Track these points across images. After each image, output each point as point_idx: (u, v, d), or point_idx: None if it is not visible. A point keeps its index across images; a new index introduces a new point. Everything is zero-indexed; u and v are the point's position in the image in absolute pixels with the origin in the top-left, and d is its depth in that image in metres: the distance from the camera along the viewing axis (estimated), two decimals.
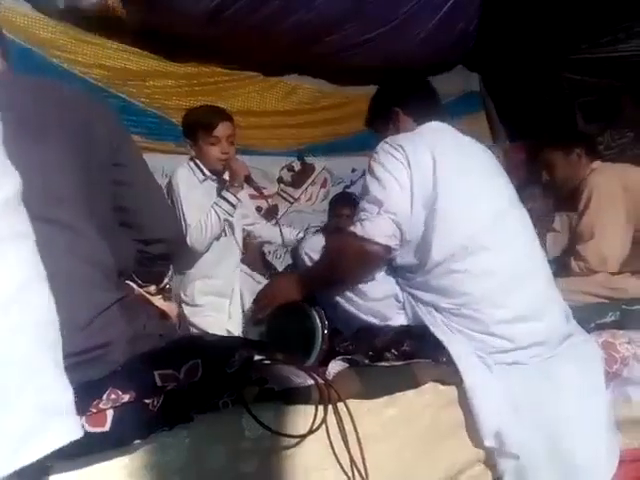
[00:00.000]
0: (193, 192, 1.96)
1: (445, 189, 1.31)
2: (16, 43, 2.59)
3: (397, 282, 1.40)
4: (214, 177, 2.07)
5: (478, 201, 1.37)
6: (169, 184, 2.05)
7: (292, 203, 3.55)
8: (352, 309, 1.39)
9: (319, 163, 3.68)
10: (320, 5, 2.85)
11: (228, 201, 1.93)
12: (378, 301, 1.37)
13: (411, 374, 1.18)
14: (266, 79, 3.54)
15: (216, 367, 0.90)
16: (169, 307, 1.13)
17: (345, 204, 2.83)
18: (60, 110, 0.95)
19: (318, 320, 1.44)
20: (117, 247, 0.96)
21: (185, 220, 1.91)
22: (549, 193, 2.98)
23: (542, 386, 1.26)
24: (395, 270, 1.40)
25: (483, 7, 3.78)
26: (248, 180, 1.97)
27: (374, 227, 1.29)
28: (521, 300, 1.31)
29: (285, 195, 3.57)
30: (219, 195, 1.98)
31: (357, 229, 1.31)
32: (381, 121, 1.59)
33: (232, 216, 1.96)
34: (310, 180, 3.58)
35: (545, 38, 3.98)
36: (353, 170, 3.80)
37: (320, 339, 1.45)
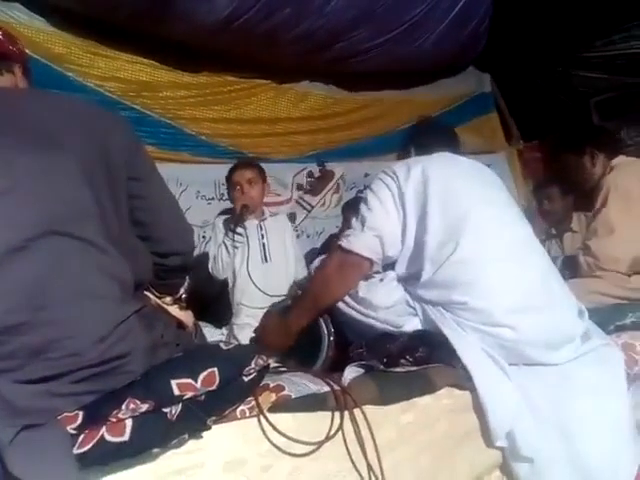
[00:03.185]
0: (219, 231, 2.35)
1: (436, 200, 1.38)
2: (32, 58, 2.65)
3: (405, 289, 1.41)
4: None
5: (468, 202, 1.41)
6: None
7: (310, 211, 3.57)
8: (364, 320, 1.40)
9: (337, 168, 3.70)
10: (330, 12, 2.87)
11: (232, 231, 2.23)
12: (389, 308, 1.38)
13: (427, 379, 1.18)
14: (277, 86, 3.56)
15: (233, 375, 0.91)
16: (185, 316, 1.14)
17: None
18: (77, 125, 0.97)
19: (324, 327, 1.47)
20: (135, 260, 0.97)
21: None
22: (567, 193, 2.96)
23: (559, 388, 1.25)
24: (403, 278, 1.43)
25: (494, 7, 3.78)
26: (244, 209, 2.24)
27: (357, 241, 1.41)
28: (525, 288, 1.32)
29: (303, 203, 3.59)
30: (226, 227, 2.29)
31: (343, 242, 1.44)
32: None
33: (238, 243, 2.23)
34: (329, 186, 3.60)
35: (556, 36, 3.95)
36: (366, 175, 3.79)
37: (326, 346, 1.47)
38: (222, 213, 2.63)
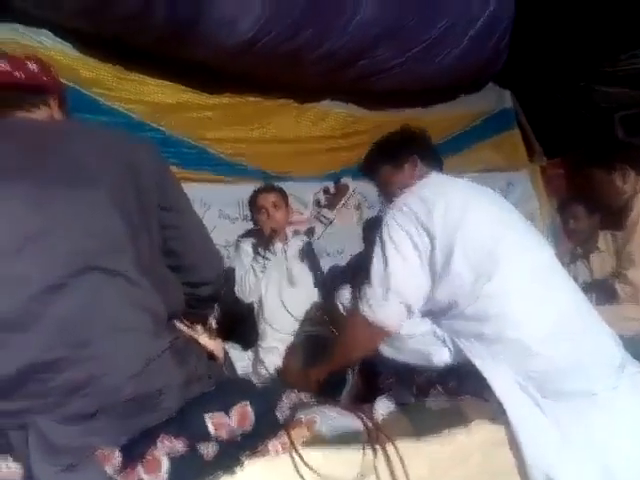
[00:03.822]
0: (245, 256, 2.33)
1: (462, 233, 1.33)
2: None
3: (432, 319, 1.38)
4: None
5: (486, 227, 1.38)
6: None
7: (327, 225, 3.56)
8: (391, 351, 1.38)
9: (352, 183, 3.70)
10: (353, 31, 2.89)
11: (260, 255, 2.23)
12: (416, 339, 1.36)
13: (460, 413, 1.16)
14: (299, 106, 3.59)
15: (265, 410, 0.90)
16: (216, 346, 1.14)
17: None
18: (109, 156, 0.99)
19: None
20: (166, 291, 0.98)
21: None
22: (593, 211, 2.90)
23: (598, 422, 1.21)
24: (430, 312, 1.40)
25: (515, 22, 3.77)
26: (273, 233, 2.23)
27: (382, 311, 1.34)
28: (557, 315, 1.28)
29: (321, 218, 3.59)
30: (255, 251, 2.29)
31: (366, 311, 1.35)
32: (392, 166, 1.62)
33: (265, 267, 2.22)
34: (344, 200, 3.59)
35: (579, 51, 3.92)
36: None
37: (351, 374, 1.46)
38: (245, 235, 2.63)
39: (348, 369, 1.46)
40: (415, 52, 3.24)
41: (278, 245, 2.33)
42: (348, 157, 3.80)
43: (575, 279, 1.61)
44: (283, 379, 1.55)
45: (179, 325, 1.07)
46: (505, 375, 1.20)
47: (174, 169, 3.05)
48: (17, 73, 1.11)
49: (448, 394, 1.23)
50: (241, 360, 2.19)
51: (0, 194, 0.87)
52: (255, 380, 2.06)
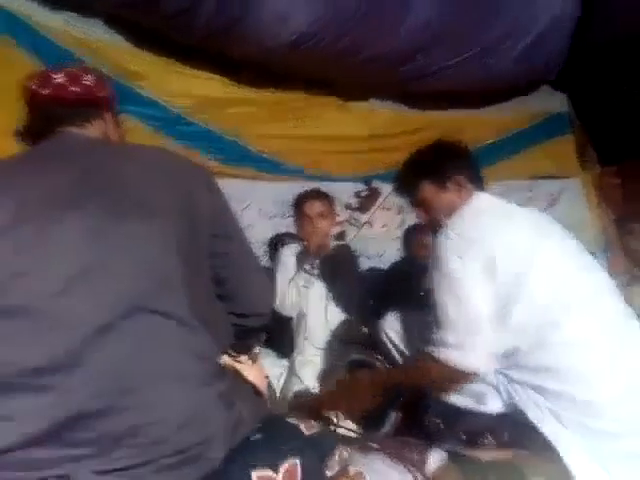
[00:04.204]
0: (287, 265, 2.22)
1: (528, 266, 1.22)
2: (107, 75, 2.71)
3: None
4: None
5: (557, 268, 1.25)
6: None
7: (360, 228, 3.47)
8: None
9: (394, 193, 3.57)
10: (404, 34, 2.76)
11: (305, 271, 2.12)
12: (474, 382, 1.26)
13: (516, 470, 1.07)
14: (344, 104, 3.48)
15: (315, 468, 0.84)
16: (260, 379, 1.08)
17: (428, 232, 2.70)
18: (167, 185, 0.93)
19: None
20: (217, 327, 0.93)
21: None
22: None
23: None
24: None
25: (577, 24, 3.55)
26: (320, 250, 2.12)
27: (472, 359, 1.21)
28: (628, 372, 1.17)
29: (352, 221, 3.50)
30: (299, 265, 2.18)
31: (454, 359, 1.21)
32: (435, 185, 1.46)
33: (309, 283, 2.12)
34: (377, 204, 3.48)
35: None
36: None
37: (395, 407, 1.38)
38: (284, 237, 2.54)
39: (392, 401, 1.37)
40: (468, 56, 3.09)
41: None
42: (392, 158, 3.67)
43: (630, 303, 1.46)
44: (326, 399, 1.44)
45: (224, 358, 1.01)
46: (570, 435, 1.10)
47: (214, 164, 3.13)
48: (73, 87, 1.07)
49: (500, 445, 1.14)
50: (275, 366, 2.15)
51: (51, 224, 0.82)
52: (289, 390, 2.01)
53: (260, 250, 3.16)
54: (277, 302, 2.14)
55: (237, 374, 1.01)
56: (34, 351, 0.74)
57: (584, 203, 4.18)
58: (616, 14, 3.54)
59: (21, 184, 0.88)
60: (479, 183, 1.44)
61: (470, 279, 1.21)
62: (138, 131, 2.86)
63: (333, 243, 2.33)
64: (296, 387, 1.97)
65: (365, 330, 2.06)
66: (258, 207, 3.23)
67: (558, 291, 1.19)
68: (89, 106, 1.08)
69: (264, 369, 1.16)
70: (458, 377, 1.21)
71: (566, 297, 1.19)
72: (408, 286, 2.59)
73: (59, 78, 1.06)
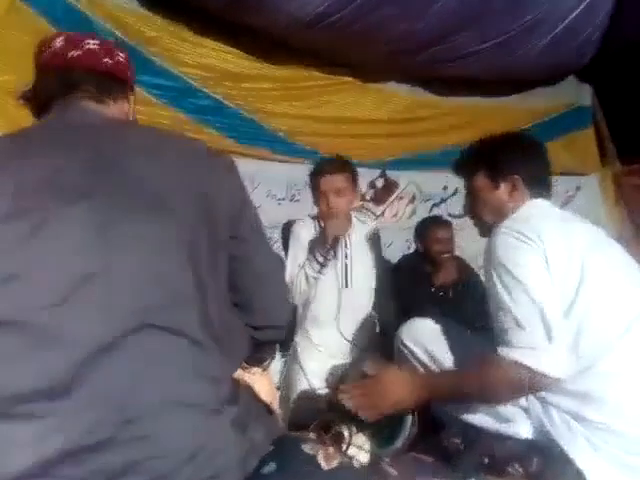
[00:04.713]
0: (301, 244, 2.01)
1: (585, 282, 1.12)
2: (121, 39, 2.57)
3: None
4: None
5: (617, 290, 1.15)
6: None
7: (374, 220, 3.37)
8: (462, 408, 1.21)
9: (404, 178, 3.44)
10: (434, 14, 2.62)
11: (317, 260, 1.91)
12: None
13: None
14: (362, 85, 3.35)
15: None
16: (272, 395, 1.00)
17: (443, 226, 2.60)
18: (184, 177, 0.82)
19: None
20: (233, 342, 0.84)
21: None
22: None
23: None
24: None
25: (611, 16, 3.38)
26: (335, 242, 1.90)
27: (551, 360, 1.07)
28: None
29: (366, 212, 3.38)
30: (310, 251, 1.97)
31: (530, 362, 1.07)
32: (488, 178, 1.35)
33: (321, 274, 1.92)
34: (393, 197, 3.36)
35: None
36: (445, 188, 3.55)
37: (410, 422, 1.29)
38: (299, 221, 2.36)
39: (409, 412, 1.29)
40: (496, 43, 2.94)
41: (338, 248, 1.98)
42: (409, 144, 3.56)
43: None
44: (371, 398, 1.31)
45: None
46: (603, 467, 1.02)
47: (227, 142, 3.00)
48: (106, 59, 0.95)
49: (527, 475, 1.07)
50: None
51: (53, 216, 0.71)
52: (291, 387, 1.93)
53: (267, 233, 3.06)
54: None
55: (249, 390, 0.93)
56: (20, 374, 0.65)
57: (601, 201, 4.07)
58: None
59: (24, 164, 0.77)
60: (540, 189, 1.32)
61: (537, 275, 1.10)
62: (147, 102, 2.74)
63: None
64: (299, 385, 1.88)
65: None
66: (267, 188, 3.12)
67: (612, 312, 1.11)
68: (117, 82, 0.97)
69: (274, 386, 1.08)
70: (533, 383, 1.07)
71: (620, 321, 1.10)
72: (424, 283, 2.51)
73: (93, 45, 0.95)
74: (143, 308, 0.71)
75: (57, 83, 0.93)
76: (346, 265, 1.95)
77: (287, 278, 1.93)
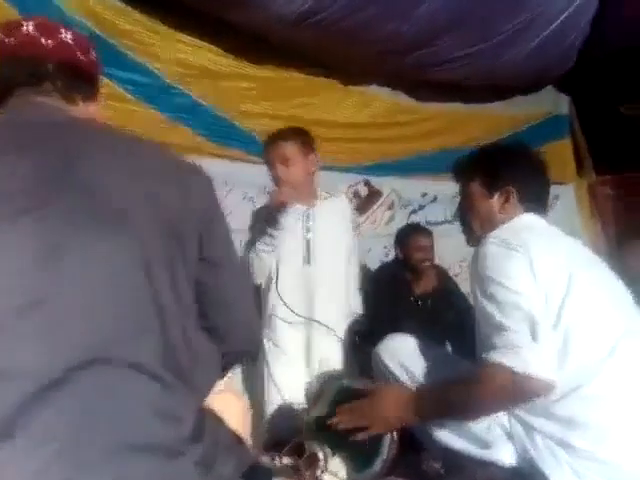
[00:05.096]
0: (253, 225, 1.87)
1: (570, 300, 1.08)
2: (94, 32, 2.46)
3: None
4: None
5: (602, 310, 1.12)
6: None
7: (356, 230, 3.30)
8: (441, 430, 1.15)
9: (386, 185, 3.39)
10: (420, 16, 2.57)
11: (266, 233, 1.76)
12: (476, 423, 1.13)
13: None
14: (343, 88, 3.28)
15: None
16: (241, 420, 0.92)
17: (424, 234, 2.56)
18: (156, 192, 0.74)
19: None
20: (200, 373, 0.76)
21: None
22: None
23: None
24: None
25: (592, 25, 3.41)
26: (280, 207, 1.74)
27: (536, 360, 1.02)
28: None
29: None
30: (260, 227, 1.81)
31: (514, 363, 1.02)
32: (482, 187, 1.33)
33: (271, 248, 1.76)
34: (376, 206, 3.31)
35: None
36: (424, 195, 3.51)
37: (388, 442, 1.23)
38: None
39: (387, 433, 1.23)
40: (482, 47, 2.92)
41: (297, 208, 1.82)
42: (388, 149, 3.52)
43: None
44: (364, 416, 1.24)
45: None
46: None
47: (200, 140, 2.90)
48: (81, 55, 0.88)
49: None
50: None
51: None
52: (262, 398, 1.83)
53: (238, 239, 2.96)
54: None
55: (216, 419, 0.85)
56: None
57: (576, 211, 4.11)
58: (630, 21, 3.42)
59: None
60: (534, 204, 1.29)
61: (524, 283, 1.07)
62: (120, 98, 2.62)
63: None
64: (271, 398, 1.74)
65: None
66: (242, 191, 3.02)
67: (597, 332, 1.07)
68: (88, 81, 0.90)
69: (244, 404, 1.00)
70: (519, 387, 1.02)
71: (605, 342, 1.05)
72: (403, 291, 2.47)
73: (68, 37, 0.87)
74: (96, 339, 0.62)
75: (23, 72, 0.84)
76: (308, 241, 1.82)
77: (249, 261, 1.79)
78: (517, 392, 1.04)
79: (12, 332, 0.59)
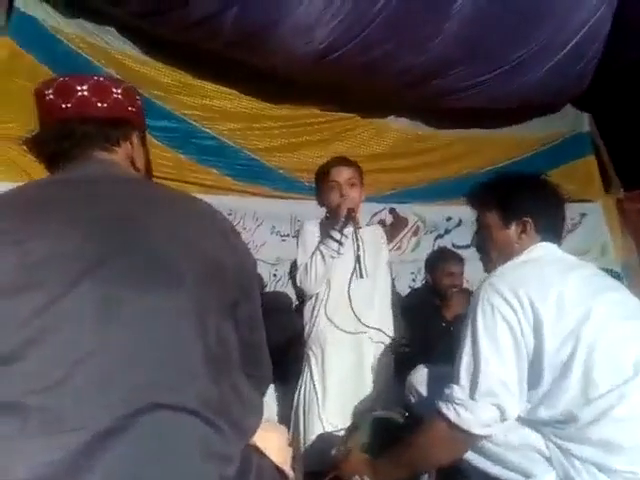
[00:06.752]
0: (311, 238, 1.93)
1: (588, 329, 1.10)
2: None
3: (538, 430, 1.14)
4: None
5: (622, 334, 1.12)
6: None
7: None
8: (481, 460, 1.16)
9: (410, 212, 3.42)
10: (433, 49, 2.65)
11: (332, 238, 1.81)
12: (514, 450, 1.13)
13: None
14: (361, 121, 3.38)
15: None
16: (283, 454, 0.94)
17: (454, 260, 2.56)
18: (197, 244, 0.78)
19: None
20: (247, 416, 0.79)
21: (297, 264, 1.92)
22: None
23: None
24: (534, 421, 1.15)
25: (606, 44, 3.43)
26: (350, 213, 1.80)
27: (470, 416, 1.11)
28: None
29: None
30: (325, 233, 1.88)
31: (450, 415, 1.12)
32: (500, 217, 1.34)
33: (338, 253, 1.82)
34: (403, 233, 3.33)
35: None
36: (448, 219, 3.54)
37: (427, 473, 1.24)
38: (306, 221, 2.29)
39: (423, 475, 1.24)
40: (496, 74, 2.97)
41: (349, 229, 1.85)
42: (409, 178, 3.56)
43: None
44: (341, 464, 1.32)
45: None
46: None
47: (227, 180, 3.01)
48: (100, 103, 0.91)
49: None
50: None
51: (60, 292, 0.66)
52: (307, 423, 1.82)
53: (267, 271, 3.04)
54: (298, 278, 1.86)
55: (261, 456, 0.88)
56: (18, 462, 0.59)
57: (604, 228, 4.04)
58: None
59: (27, 233, 0.72)
60: (550, 233, 1.31)
61: (497, 332, 1.12)
62: (151, 145, 2.75)
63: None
64: (314, 424, 1.74)
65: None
66: (271, 225, 3.11)
67: (619, 357, 1.07)
68: (117, 125, 0.92)
69: (286, 438, 1.03)
70: (452, 437, 1.13)
71: (628, 364, 1.05)
72: (434, 317, 2.46)
73: (84, 90, 0.90)
74: (147, 387, 0.66)
75: (56, 138, 0.90)
76: (359, 256, 1.86)
77: (300, 268, 1.87)
78: (450, 441, 1.15)
79: (61, 385, 0.63)
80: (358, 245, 1.85)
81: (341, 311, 1.84)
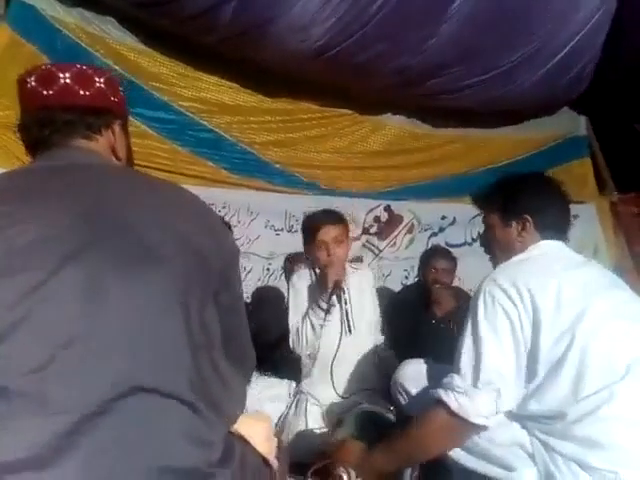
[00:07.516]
0: (301, 299, 2.00)
1: (583, 326, 1.11)
2: (120, 73, 2.60)
3: (524, 425, 1.16)
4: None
5: (618, 331, 1.14)
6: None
7: (377, 255, 3.34)
8: (464, 455, 1.18)
9: (405, 209, 3.44)
10: (429, 49, 2.66)
11: (320, 307, 1.89)
12: (499, 446, 1.15)
13: None
14: (358, 117, 3.39)
15: None
16: (267, 444, 0.96)
17: (443, 257, 2.58)
18: (182, 230, 0.79)
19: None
20: (230, 402, 0.81)
21: (288, 322, 1.98)
22: None
23: None
24: (521, 416, 1.17)
25: (604, 48, 3.45)
26: (336, 286, 1.87)
27: (470, 405, 1.12)
28: None
29: (370, 246, 3.37)
30: (311, 299, 1.96)
31: (451, 403, 1.14)
32: (500, 217, 1.37)
33: (326, 321, 1.88)
34: (397, 231, 3.36)
35: None
36: (443, 217, 3.55)
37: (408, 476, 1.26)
38: (291, 260, 2.37)
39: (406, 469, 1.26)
40: (493, 74, 2.99)
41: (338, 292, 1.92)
42: (405, 175, 3.57)
43: None
44: (335, 453, 1.33)
45: None
46: None
47: (223, 173, 3.02)
48: (83, 90, 0.91)
49: None
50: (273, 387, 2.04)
51: (45, 278, 0.67)
52: (291, 426, 1.86)
53: (260, 265, 3.06)
54: (291, 340, 1.93)
55: (244, 444, 0.90)
56: (4, 443, 0.61)
57: (598, 229, 4.07)
58: None
59: (12, 219, 0.73)
60: (552, 231, 1.32)
61: (498, 325, 1.14)
62: (146, 135, 2.76)
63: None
64: (297, 427, 1.80)
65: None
66: (265, 219, 3.12)
67: (613, 354, 1.09)
68: (99, 114, 0.93)
69: (271, 427, 1.04)
70: (451, 426, 1.14)
71: (621, 362, 1.08)
72: (424, 315, 2.48)
73: (66, 78, 0.90)
74: (135, 370, 0.67)
75: (37, 125, 0.90)
76: (346, 311, 1.92)
77: (291, 329, 1.95)
78: (450, 430, 1.16)
79: (44, 369, 0.64)
80: (345, 309, 1.90)
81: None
